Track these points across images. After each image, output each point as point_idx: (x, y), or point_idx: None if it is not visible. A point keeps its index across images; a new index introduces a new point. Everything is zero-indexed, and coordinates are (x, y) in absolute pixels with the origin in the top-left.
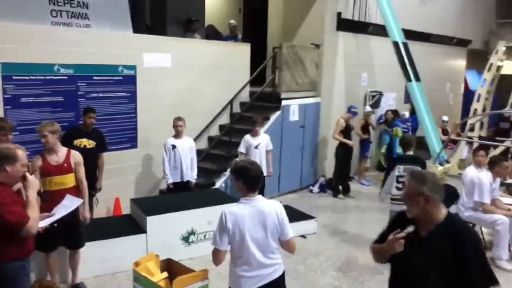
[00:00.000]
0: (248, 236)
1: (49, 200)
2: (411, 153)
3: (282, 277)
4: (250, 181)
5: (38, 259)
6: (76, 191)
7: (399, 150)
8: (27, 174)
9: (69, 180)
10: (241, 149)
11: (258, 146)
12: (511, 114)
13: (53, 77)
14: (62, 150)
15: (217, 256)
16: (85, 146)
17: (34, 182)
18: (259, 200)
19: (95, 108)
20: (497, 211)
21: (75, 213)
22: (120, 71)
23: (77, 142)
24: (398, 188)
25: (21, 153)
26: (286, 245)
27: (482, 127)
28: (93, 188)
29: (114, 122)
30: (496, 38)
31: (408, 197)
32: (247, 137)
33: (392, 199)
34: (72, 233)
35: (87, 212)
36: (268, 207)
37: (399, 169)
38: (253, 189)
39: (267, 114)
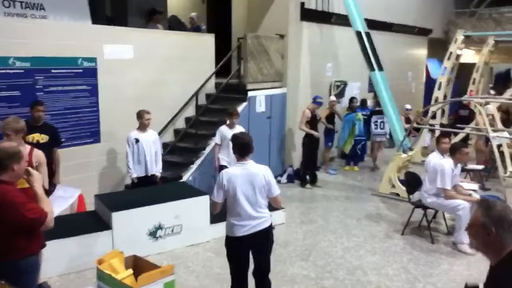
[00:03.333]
0: (239, 192)
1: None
2: (380, 108)
3: (269, 228)
4: (238, 147)
5: None
6: None
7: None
8: (31, 169)
9: None
10: (216, 140)
11: None
12: (470, 101)
13: (8, 71)
14: (25, 149)
15: (215, 207)
16: (38, 141)
17: (38, 175)
18: (249, 164)
19: (42, 101)
20: (458, 196)
21: None
22: (80, 63)
23: (29, 138)
24: (375, 128)
25: (23, 149)
26: (273, 201)
27: (444, 115)
28: (52, 184)
29: (75, 116)
30: (454, 28)
31: (470, 225)
32: (223, 128)
33: (373, 134)
34: None
35: None
36: (256, 170)
37: (374, 118)
38: (242, 155)
39: (234, 106)
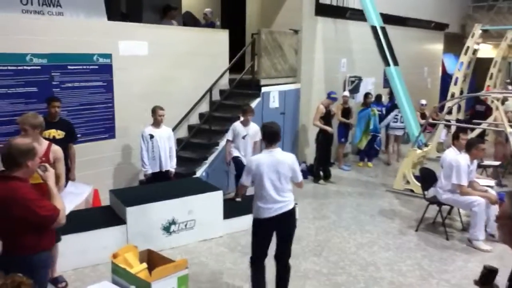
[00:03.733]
0: (266, 177)
1: None
2: None
3: (292, 210)
4: (267, 136)
5: None
6: None
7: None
8: (47, 165)
9: None
10: (229, 136)
11: (245, 137)
12: (487, 96)
13: (25, 67)
14: (43, 144)
15: (241, 189)
16: (54, 137)
17: (53, 172)
18: (276, 151)
19: (58, 97)
20: (473, 193)
21: None
22: (96, 59)
23: (45, 133)
24: (394, 122)
25: (38, 146)
26: (297, 185)
27: (460, 110)
28: (67, 179)
29: (91, 112)
30: (472, 22)
31: (498, 217)
32: (237, 125)
33: (390, 127)
34: None
35: None
36: (282, 157)
37: (395, 111)
38: (270, 143)
39: (247, 101)
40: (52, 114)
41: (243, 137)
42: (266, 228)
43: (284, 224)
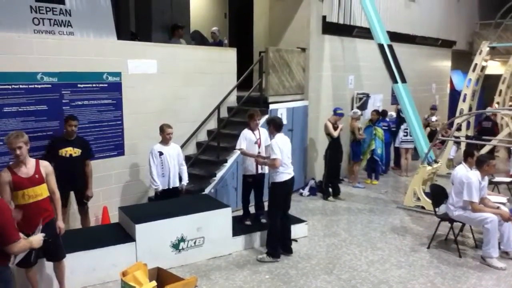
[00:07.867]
0: (285, 152)
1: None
2: None
3: (293, 176)
4: (277, 126)
5: (18, 275)
6: (50, 201)
7: (380, 151)
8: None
9: (42, 191)
10: (242, 145)
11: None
12: (495, 113)
13: (36, 86)
14: (31, 162)
15: (277, 162)
16: (70, 155)
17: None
18: (282, 135)
19: (76, 116)
20: (486, 209)
21: (52, 225)
22: (105, 78)
23: (62, 151)
24: (404, 135)
25: (30, 161)
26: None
27: (469, 127)
28: (84, 196)
29: (100, 130)
30: (479, 39)
31: None
32: (247, 132)
33: (401, 141)
34: (51, 245)
35: (61, 223)
36: (287, 139)
37: (404, 125)
38: (279, 130)
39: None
40: (69, 133)
41: (255, 143)
42: (285, 187)
43: (292, 184)
